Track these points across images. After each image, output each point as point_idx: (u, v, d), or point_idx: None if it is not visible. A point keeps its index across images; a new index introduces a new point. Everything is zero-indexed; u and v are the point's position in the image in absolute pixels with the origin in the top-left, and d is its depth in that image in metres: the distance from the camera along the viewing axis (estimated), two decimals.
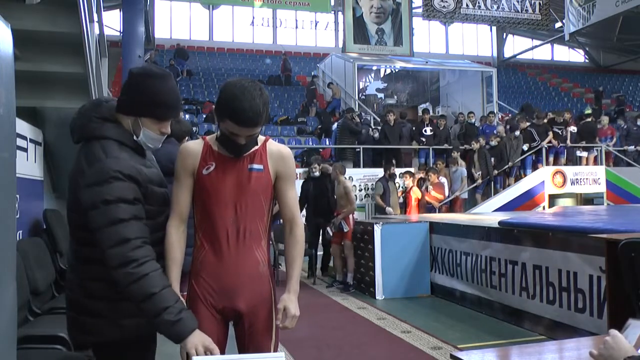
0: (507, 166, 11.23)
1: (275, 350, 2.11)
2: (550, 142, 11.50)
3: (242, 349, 2.12)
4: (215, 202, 2.03)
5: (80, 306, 2.02)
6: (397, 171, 10.66)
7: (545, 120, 11.96)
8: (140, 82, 2.02)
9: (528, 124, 11.63)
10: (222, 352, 2.04)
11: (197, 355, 1.85)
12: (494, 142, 11.34)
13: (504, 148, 11.26)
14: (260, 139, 2.11)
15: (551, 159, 11.70)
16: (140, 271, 1.83)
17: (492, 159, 11.16)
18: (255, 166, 2.06)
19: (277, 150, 2.13)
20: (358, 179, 10.93)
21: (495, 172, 11.14)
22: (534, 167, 11.53)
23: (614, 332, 1.46)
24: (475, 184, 10.92)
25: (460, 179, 10.70)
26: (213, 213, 2.04)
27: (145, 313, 1.87)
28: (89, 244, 1.96)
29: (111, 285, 1.94)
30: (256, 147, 2.09)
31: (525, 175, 11.37)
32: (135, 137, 2.04)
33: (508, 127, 12.29)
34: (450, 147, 11.63)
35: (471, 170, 11.04)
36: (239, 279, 2.03)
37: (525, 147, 11.39)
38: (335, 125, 12.32)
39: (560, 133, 11.74)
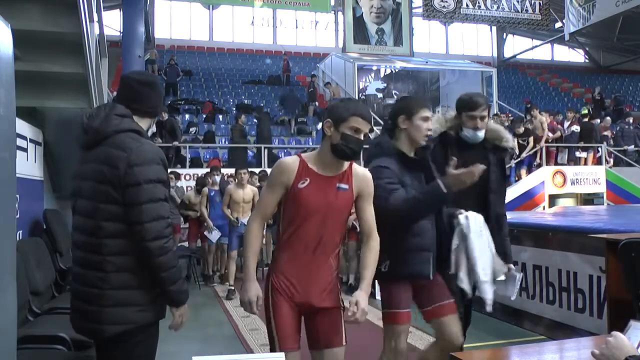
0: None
1: (345, 342, 2.39)
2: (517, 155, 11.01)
3: (313, 342, 2.42)
4: (304, 212, 2.29)
5: (105, 295, 2.08)
6: None
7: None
8: (155, 86, 2.29)
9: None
10: (299, 335, 2.39)
11: (180, 318, 2.25)
12: None
13: None
14: (346, 163, 2.37)
15: (523, 171, 11.35)
16: (169, 246, 2.13)
17: None
18: (342, 185, 2.34)
19: (361, 173, 2.42)
20: None
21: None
22: (517, 176, 11.34)
23: (616, 333, 1.46)
24: None
25: None
26: (300, 222, 2.31)
27: (162, 281, 2.14)
28: (117, 219, 2.08)
29: (137, 261, 2.11)
30: (344, 169, 2.36)
31: (509, 184, 11.09)
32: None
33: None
34: None
35: None
36: (315, 282, 2.33)
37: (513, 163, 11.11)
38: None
39: (524, 144, 11.24)
